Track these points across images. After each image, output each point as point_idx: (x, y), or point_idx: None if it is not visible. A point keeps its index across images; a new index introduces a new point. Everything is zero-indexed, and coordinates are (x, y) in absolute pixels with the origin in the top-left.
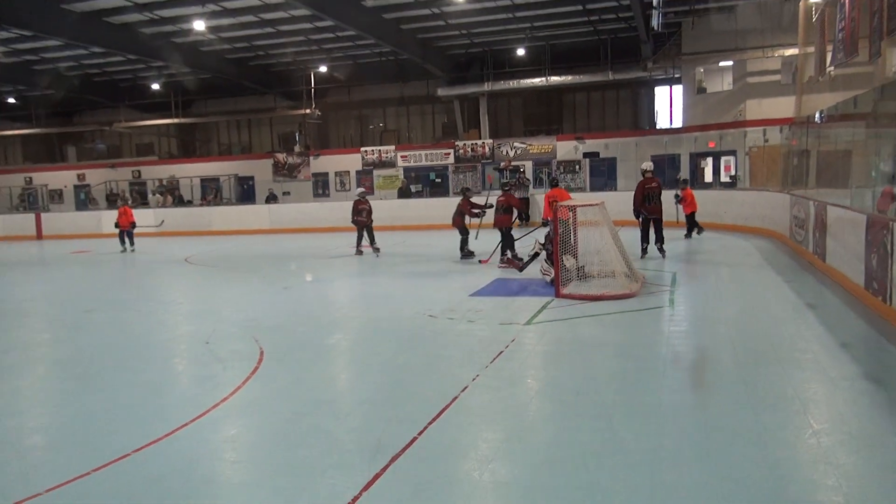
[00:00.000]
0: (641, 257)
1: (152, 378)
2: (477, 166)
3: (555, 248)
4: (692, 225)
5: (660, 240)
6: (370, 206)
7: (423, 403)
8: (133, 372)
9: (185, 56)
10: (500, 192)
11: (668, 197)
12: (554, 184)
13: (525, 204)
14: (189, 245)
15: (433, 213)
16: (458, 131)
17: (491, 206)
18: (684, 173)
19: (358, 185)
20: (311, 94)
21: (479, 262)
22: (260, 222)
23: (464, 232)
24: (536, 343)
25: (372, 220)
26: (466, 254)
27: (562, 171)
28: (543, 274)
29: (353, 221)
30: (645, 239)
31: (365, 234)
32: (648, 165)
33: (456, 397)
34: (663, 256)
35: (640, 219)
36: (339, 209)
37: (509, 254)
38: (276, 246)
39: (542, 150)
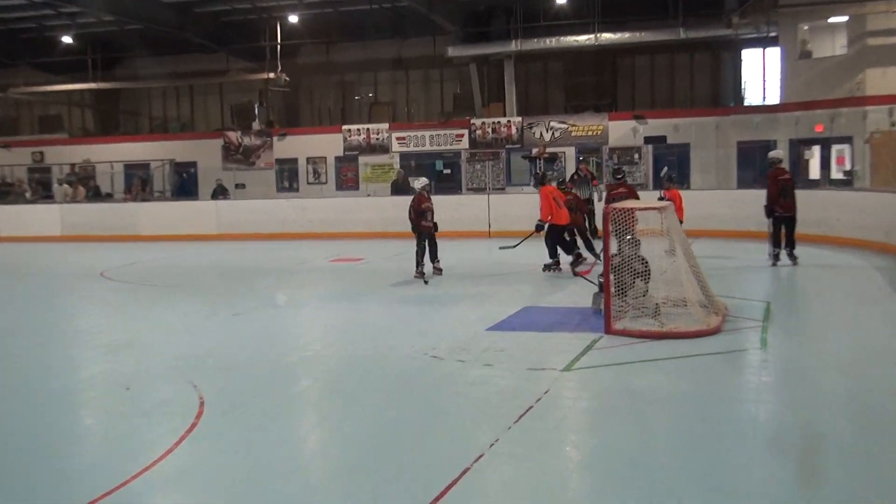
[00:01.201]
0: (773, 264)
1: (49, 436)
2: (500, 154)
3: (605, 266)
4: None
5: (790, 244)
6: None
7: (423, 477)
8: (23, 428)
9: None
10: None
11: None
12: (619, 178)
13: (587, 209)
14: (107, 254)
15: (440, 216)
16: (474, 106)
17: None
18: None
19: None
20: (276, 53)
21: (575, 273)
22: (205, 225)
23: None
24: (578, 396)
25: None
26: (575, 260)
27: (615, 160)
28: (596, 309)
29: (416, 228)
30: (777, 243)
31: (427, 246)
32: (778, 154)
33: (467, 469)
34: (794, 263)
35: (773, 218)
36: (313, 209)
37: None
38: (225, 257)
39: (589, 132)
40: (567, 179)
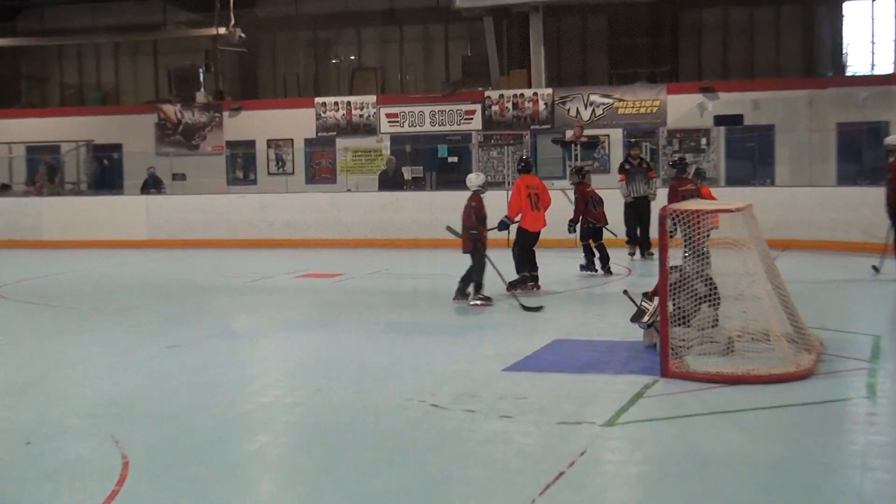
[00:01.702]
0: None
1: None
2: (524, 136)
3: (661, 286)
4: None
5: None
6: None
7: None
8: None
9: None
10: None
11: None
12: (679, 168)
13: (644, 210)
14: (3, 265)
15: (441, 218)
16: (490, 74)
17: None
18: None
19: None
20: (228, 2)
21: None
22: (132, 227)
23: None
24: (625, 459)
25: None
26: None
27: (677, 147)
28: (650, 343)
29: (477, 240)
30: None
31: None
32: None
33: None
34: None
35: None
36: (275, 208)
37: None
38: (158, 270)
39: (642, 110)
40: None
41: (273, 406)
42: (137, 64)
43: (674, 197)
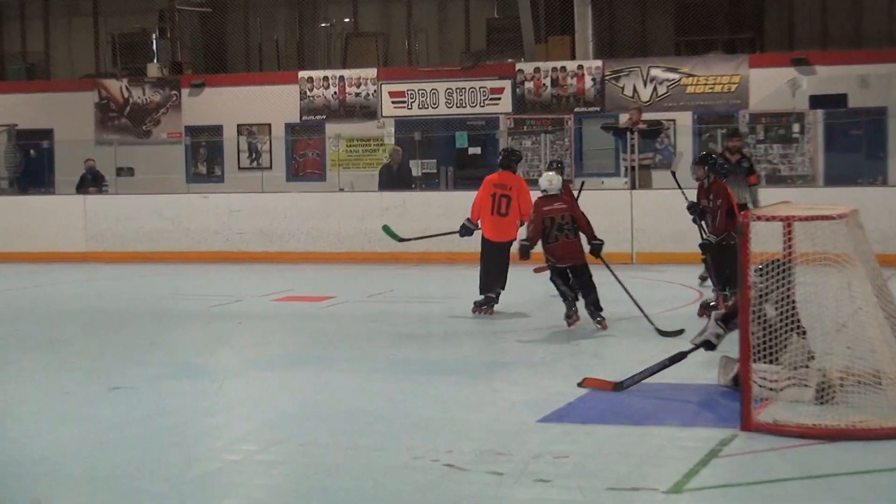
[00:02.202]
0: None
1: None
2: (565, 120)
3: (742, 311)
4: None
5: None
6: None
7: None
8: None
9: None
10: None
11: None
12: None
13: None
14: None
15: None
16: (523, 42)
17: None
18: None
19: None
20: None
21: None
22: (65, 235)
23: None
24: None
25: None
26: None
27: (756, 137)
28: (728, 384)
29: (552, 248)
30: None
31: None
32: None
33: None
34: None
35: None
36: (248, 211)
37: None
38: (99, 290)
39: (717, 88)
40: (700, 165)
41: (244, 465)
42: (73, 28)
43: (726, 202)
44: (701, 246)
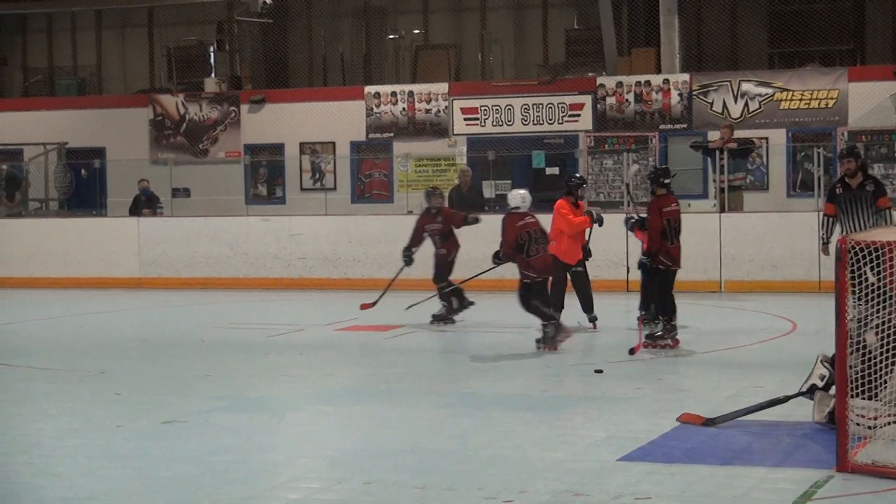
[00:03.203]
0: None
1: None
2: (650, 138)
3: (839, 348)
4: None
5: None
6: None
7: None
8: None
9: None
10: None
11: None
12: (654, 181)
13: None
14: None
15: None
16: (605, 54)
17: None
18: None
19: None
20: None
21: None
22: (118, 260)
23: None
24: None
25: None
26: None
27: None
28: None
29: (533, 262)
30: None
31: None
32: None
33: None
34: None
35: None
36: (310, 235)
37: None
38: (152, 319)
39: (813, 103)
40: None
41: (310, 498)
42: (126, 41)
43: (656, 220)
44: (637, 264)
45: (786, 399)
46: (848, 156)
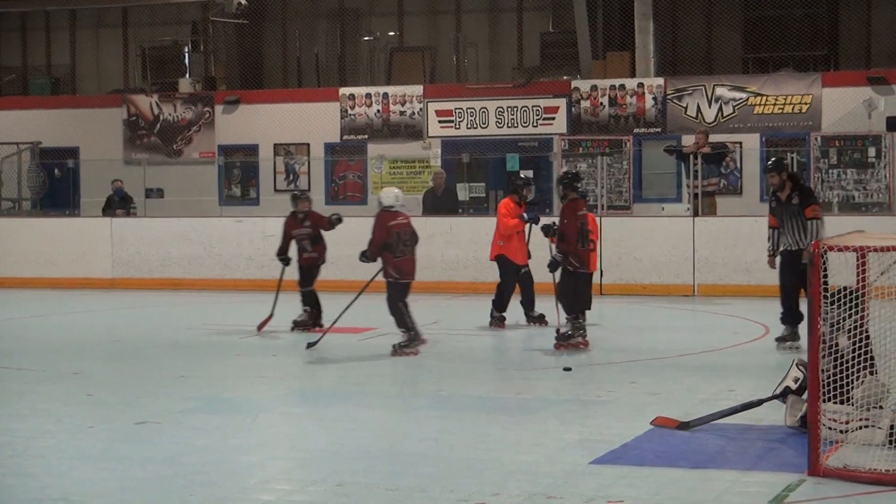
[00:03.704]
0: None
1: None
2: (624, 142)
3: (811, 346)
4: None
5: None
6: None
7: None
8: None
9: None
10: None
11: None
12: (567, 185)
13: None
14: None
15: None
16: (579, 57)
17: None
18: None
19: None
20: None
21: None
22: (91, 261)
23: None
24: None
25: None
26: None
27: (835, 160)
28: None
29: (400, 263)
30: None
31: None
32: None
33: None
34: None
35: None
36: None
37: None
38: (125, 321)
39: (787, 108)
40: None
41: None
42: (101, 40)
43: (572, 223)
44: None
45: (759, 402)
46: (772, 170)
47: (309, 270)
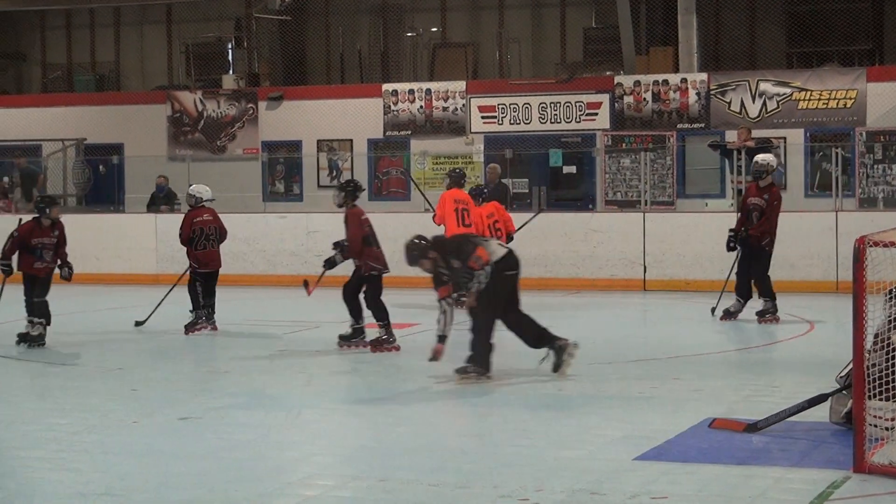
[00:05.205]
0: None
1: None
2: (667, 137)
3: (856, 347)
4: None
5: None
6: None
7: None
8: None
9: None
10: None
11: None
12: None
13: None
14: None
15: (554, 251)
16: (622, 53)
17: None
18: None
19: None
20: None
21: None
22: (135, 257)
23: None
24: None
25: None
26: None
27: (873, 157)
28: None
29: (200, 255)
30: None
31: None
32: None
33: None
34: None
35: None
36: (327, 233)
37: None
38: (169, 316)
39: (831, 103)
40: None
41: (321, 502)
42: (145, 37)
43: (357, 229)
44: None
45: (825, 397)
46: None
47: (44, 280)
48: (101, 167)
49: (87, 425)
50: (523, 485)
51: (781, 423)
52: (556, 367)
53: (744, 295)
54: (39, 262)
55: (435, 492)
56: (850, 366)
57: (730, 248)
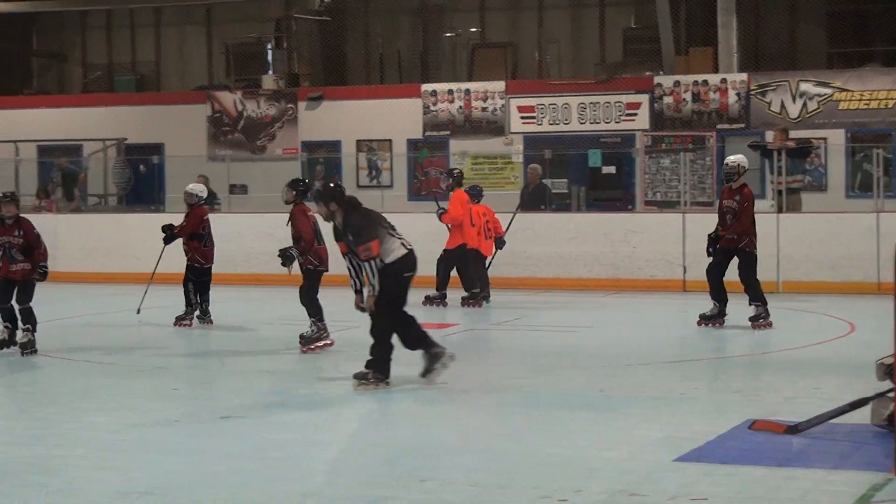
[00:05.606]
0: None
1: None
2: (707, 138)
3: None
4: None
5: None
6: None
7: None
8: None
9: None
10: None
11: None
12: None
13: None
14: None
15: (593, 252)
16: (662, 53)
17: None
18: None
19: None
20: None
21: None
22: (177, 256)
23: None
24: None
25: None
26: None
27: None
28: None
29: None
30: None
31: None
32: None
33: None
34: None
35: None
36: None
37: None
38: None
39: (872, 104)
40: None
41: (361, 501)
42: (185, 37)
43: (306, 223)
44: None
45: (867, 401)
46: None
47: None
48: (141, 167)
49: (128, 424)
50: (562, 485)
51: (822, 425)
52: (425, 373)
53: (719, 299)
54: (12, 263)
55: (474, 492)
56: (892, 357)
57: (708, 254)
